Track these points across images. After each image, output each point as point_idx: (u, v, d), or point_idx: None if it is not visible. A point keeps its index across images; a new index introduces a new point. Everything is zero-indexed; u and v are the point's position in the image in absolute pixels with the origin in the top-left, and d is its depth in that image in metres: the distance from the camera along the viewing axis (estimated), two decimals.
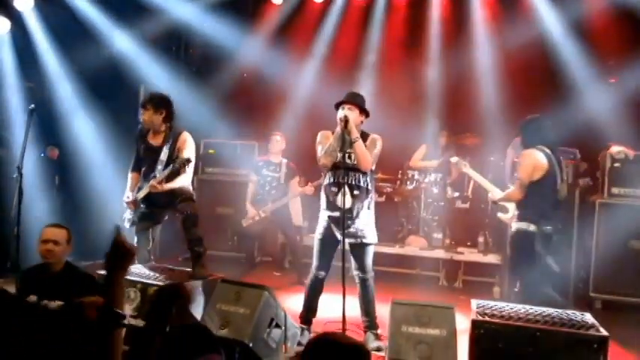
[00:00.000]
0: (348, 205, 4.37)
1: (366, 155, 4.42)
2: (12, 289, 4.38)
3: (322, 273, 4.63)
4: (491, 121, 7.36)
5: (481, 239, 6.83)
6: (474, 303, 3.96)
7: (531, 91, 7.24)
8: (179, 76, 8.06)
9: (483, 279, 6.77)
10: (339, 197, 4.35)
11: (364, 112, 4.56)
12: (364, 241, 4.52)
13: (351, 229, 4.44)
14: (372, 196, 4.63)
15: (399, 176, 7.34)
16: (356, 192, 4.43)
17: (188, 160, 4.80)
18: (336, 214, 4.41)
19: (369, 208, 4.55)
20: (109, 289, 2.09)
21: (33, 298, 3.55)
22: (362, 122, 4.56)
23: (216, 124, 7.93)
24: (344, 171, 4.38)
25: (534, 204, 4.48)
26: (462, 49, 7.68)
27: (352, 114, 4.43)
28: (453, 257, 6.77)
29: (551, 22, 7.22)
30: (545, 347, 3.38)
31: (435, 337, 3.72)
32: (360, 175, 4.47)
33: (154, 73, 7.64)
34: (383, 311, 4.53)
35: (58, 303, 3.53)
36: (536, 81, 7.36)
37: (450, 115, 7.60)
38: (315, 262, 4.65)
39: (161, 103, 4.98)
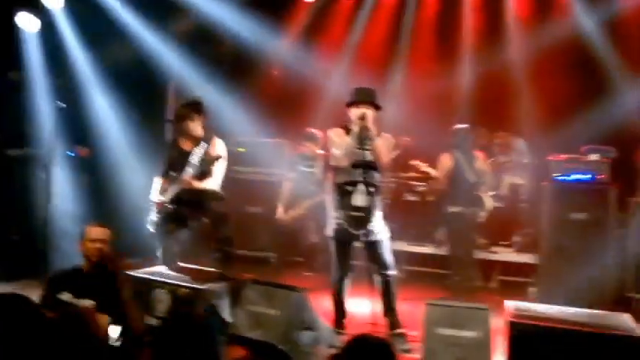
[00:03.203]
0: (365, 203, 4.33)
1: (386, 151, 4.44)
2: (39, 289, 4.35)
3: (344, 274, 4.58)
4: (526, 121, 7.27)
5: (516, 238, 6.74)
6: (510, 304, 3.93)
7: (566, 90, 7.06)
8: (209, 75, 8.00)
9: (519, 279, 6.64)
10: (356, 196, 4.31)
11: (378, 108, 4.53)
12: (381, 237, 4.47)
13: (368, 228, 4.39)
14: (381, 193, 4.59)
15: (431, 174, 7.09)
16: (371, 189, 4.36)
17: (219, 157, 4.81)
18: (354, 213, 4.35)
19: (380, 204, 4.52)
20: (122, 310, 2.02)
21: (67, 295, 3.57)
22: (376, 118, 4.51)
23: (246, 122, 7.85)
24: (362, 169, 4.34)
25: None
26: (496, 47, 7.57)
27: (369, 111, 4.41)
28: (488, 257, 6.66)
29: (585, 20, 7.09)
30: (582, 349, 3.33)
31: (469, 339, 3.67)
32: (375, 173, 4.43)
33: (184, 72, 7.62)
34: (416, 312, 4.48)
35: (90, 302, 3.53)
36: (571, 79, 7.17)
37: (482, 114, 7.45)
38: (335, 264, 4.59)
39: (201, 107, 5.02)
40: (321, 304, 4.92)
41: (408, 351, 4.38)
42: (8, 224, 6.06)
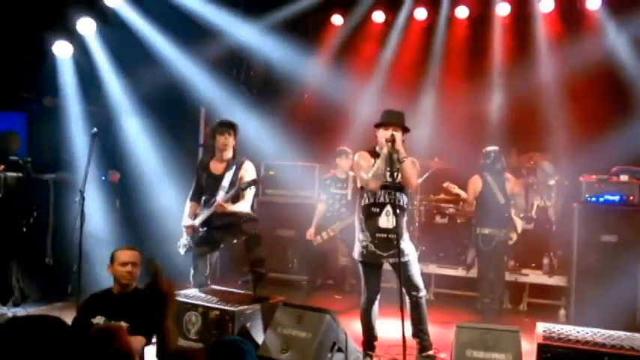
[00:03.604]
0: (391, 224, 4.32)
1: (414, 174, 4.45)
2: (72, 312, 4.33)
3: (374, 297, 4.55)
4: (556, 142, 7.21)
5: (546, 260, 6.68)
6: (540, 326, 3.92)
7: (596, 110, 7.02)
8: (240, 99, 8.08)
9: (548, 301, 6.60)
10: (384, 217, 4.34)
11: (406, 130, 4.53)
12: (409, 258, 4.45)
13: (396, 250, 4.31)
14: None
15: (461, 197, 7.00)
16: (398, 211, 4.36)
17: (255, 182, 4.88)
18: (380, 234, 4.36)
19: (406, 225, 4.59)
20: (158, 333, 1.96)
21: (100, 319, 3.60)
22: (404, 141, 4.50)
23: (276, 145, 7.91)
24: (389, 191, 4.34)
25: None
26: (526, 68, 7.52)
27: (397, 134, 4.39)
28: (518, 279, 6.62)
29: (616, 38, 7.04)
30: None
31: None
32: (402, 195, 4.44)
33: (215, 96, 7.70)
34: (447, 335, 4.50)
35: (124, 324, 3.51)
36: (601, 99, 7.11)
37: (512, 136, 7.41)
38: (363, 286, 4.57)
39: (237, 129, 5.11)
40: (352, 327, 4.94)
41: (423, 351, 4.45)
42: (43, 247, 6.12)
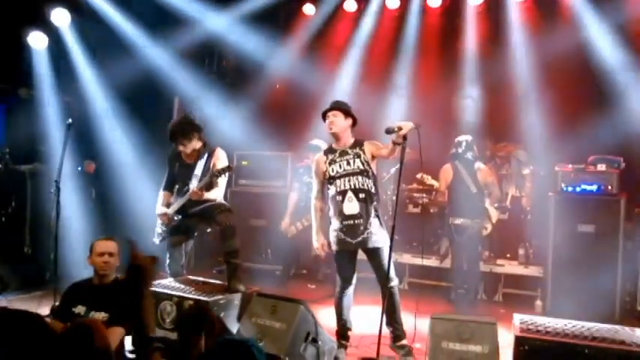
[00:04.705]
0: (356, 210, 4.32)
1: (380, 149, 4.46)
2: (50, 301, 4.45)
3: (348, 285, 4.53)
4: (530, 131, 7.15)
5: (521, 251, 6.65)
6: (517, 318, 3.83)
7: (572, 99, 6.97)
8: (212, 88, 8.09)
9: (524, 292, 6.58)
10: (347, 204, 4.34)
11: (350, 116, 4.55)
12: (380, 245, 4.39)
13: (365, 236, 4.35)
14: (378, 200, 4.51)
15: (434, 187, 7.12)
16: (362, 195, 4.35)
17: (229, 168, 4.85)
18: (348, 222, 4.36)
19: (376, 211, 4.45)
20: (135, 310, 2.03)
21: (81, 308, 3.62)
22: (350, 126, 4.54)
23: (249, 135, 7.90)
24: (348, 177, 4.38)
25: None
26: (500, 56, 7.45)
27: (337, 119, 4.47)
28: (492, 270, 6.60)
29: (593, 27, 6.95)
30: None
31: (476, 353, 3.60)
32: (363, 178, 4.40)
33: (188, 86, 7.70)
34: (421, 326, 4.44)
35: (103, 315, 3.58)
36: (577, 88, 7.07)
37: (487, 125, 7.34)
38: (338, 275, 4.56)
39: (191, 130, 5.02)
40: (325, 317, 4.93)
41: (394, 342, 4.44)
42: (21, 237, 6.19)
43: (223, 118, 7.43)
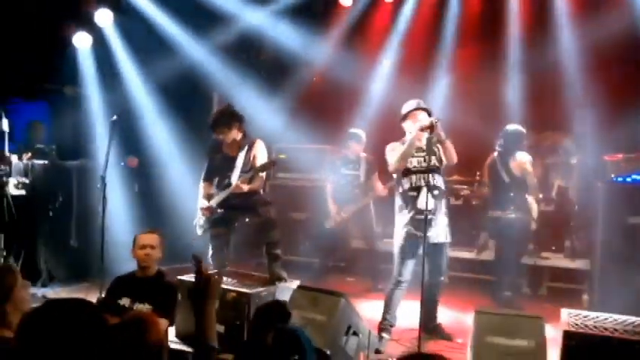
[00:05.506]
0: (430, 206, 4.38)
1: (454, 151, 4.62)
2: (96, 292, 4.58)
3: (407, 279, 4.62)
4: (577, 120, 6.93)
5: (567, 243, 6.50)
6: (565, 312, 3.74)
7: (621, 86, 6.70)
8: (251, 83, 8.14)
9: (570, 286, 6.42)
10: (421, 200, 4.44)
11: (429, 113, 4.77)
12: (445, 241, 4.64)
13: (434, 231, 4.52)
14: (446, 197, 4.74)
15: (477, 178, 6.99)
16: (436, 192, 4.51)
17: (273, 163, 5.00)
18: (419, 216, 4.43)
19: (446, 208, 4.70)
20: (199, 321, 2.09)
21: (126, 301, 3.73)
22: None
23: (287, 129, 7.91)
24: (424, 174, 4.51)
25: None
26: (545, 42, 7.21)
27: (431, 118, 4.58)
28: (537, 263, 6.45)
29: None
30: None
31: (522, 348, 3.53)
32: (438, 176, 4.61)
33: (227, 81, 7.76)
34: (463, 320, 4.40)
35: (147, 306, 3.69)
36: (625, 75, 6.80)
37: (532, 114, 7.04)
38: (398, 268, 4.63)
39: (232, 119, 5.05)
40: (363, 310, 4.90)
41: (449, 338, 4.69)
42: (68, 231, 6.40)
43: (261, 112, 7.46)
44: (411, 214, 4.55)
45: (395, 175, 4.85)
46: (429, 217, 4.38)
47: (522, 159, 5.76)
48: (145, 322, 2.22)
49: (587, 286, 6.10)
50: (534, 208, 5.92)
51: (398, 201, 4.71)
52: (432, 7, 8.04)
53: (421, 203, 4.42)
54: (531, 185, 5.82)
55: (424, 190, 4.46)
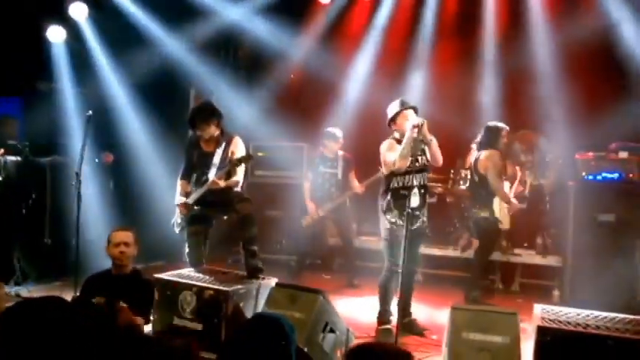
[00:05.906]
0: (417, 204, 4.59)
1: (439, 151, 4.74)
2: (71, 291, 4.52)
3: (395, 269, 4.68)
4: (551, 118, 7.03)
5: (539, 240, 6.58)
6: (538, 308, 3.80)
7: (595, 85, 6.79)
8: (228, 79, 8.09)
9: (541, 282, 6.54)
10: (412, 198, 4.53)
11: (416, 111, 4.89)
12: (424, 231, 4.85)
13: (419, 223, 4.73)
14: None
15: (451, 176, 7.07)
16: (422, 191, 4.69)
17: (249, 156, 4.95)
18: (408, 213, 4.48)
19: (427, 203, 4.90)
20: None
21: (100, 299, 3.66)
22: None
23: (265, 126, 7.87)
24: (415, 173, 4.61)
25: None
26: (519, 42, 7.31)
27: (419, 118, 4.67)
28: (510, 259, 6.55)
29: (616, 11, 6.77)
30: (618, 357, 3.19)
31: (497, 344, 3.55)
32: (425, 175, 4.80)
33: (204, 77, 7.71)
34: (438, 316, 4.44)
35: (123, 304, 3.63)
36: (598, 75, 6.91)
37: (508, 112, 7.03)
38: (392, 259, 4.69)
39: (210, 115, 5.00)
40: (340, 306, 4.90)
41: (422, 334, 4.77)
42: (41, 229, 6.28)
43: (239, 109, 7.43)
44: (399, 211, 4.63)
45: (383, 174, 4.88)
46: (417, 213, 4.61)
47: (486, 156, 5.51)
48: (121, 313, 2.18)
49: (557, 282, 6.21)
50: (499, 208, 5.72)
51: (386, 198, 4.74)
52: (409, 5, 8.10)
53: (413, 202, 4.51)
54: (492, 184, 5.49)
55: (415, 189, 4.57)
